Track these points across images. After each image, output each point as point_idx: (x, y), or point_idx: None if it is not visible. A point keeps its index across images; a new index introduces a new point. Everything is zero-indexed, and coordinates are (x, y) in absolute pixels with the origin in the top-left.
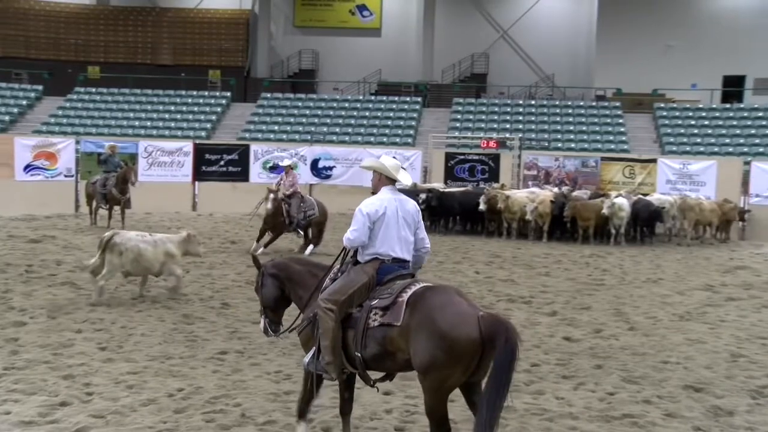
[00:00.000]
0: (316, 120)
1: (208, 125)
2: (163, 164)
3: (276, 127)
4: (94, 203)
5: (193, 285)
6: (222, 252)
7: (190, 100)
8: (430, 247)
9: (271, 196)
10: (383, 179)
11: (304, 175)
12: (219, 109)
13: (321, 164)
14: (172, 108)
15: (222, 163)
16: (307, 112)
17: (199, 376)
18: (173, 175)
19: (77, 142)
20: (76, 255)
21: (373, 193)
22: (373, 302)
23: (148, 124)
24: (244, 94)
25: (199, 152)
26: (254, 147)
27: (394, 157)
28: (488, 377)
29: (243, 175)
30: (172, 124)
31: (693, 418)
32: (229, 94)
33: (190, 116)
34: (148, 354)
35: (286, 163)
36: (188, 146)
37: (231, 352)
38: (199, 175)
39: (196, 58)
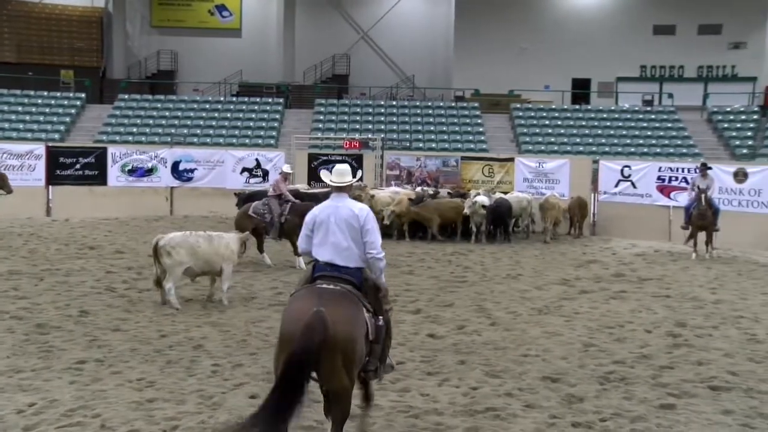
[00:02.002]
0: (176, 122)
1: (62, 127)
2: (12, 168)
3: (134, 129)
4: None
5: (48, 293)
6: (79, 258)
7: (40, 101)
8: (378, 253)
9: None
10: (332, 187)
11: (165, 178)
12: (73, 111)
13: (182, 166)
14: (20, 109)
15: (78, 166)
16: (167, 113)
17: (54, 389)
18: (23, 180)
19: None
20: None
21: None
22: None
23: None
24: (100, 95)
25: (53, 155)
26: (112, 149)
27: (344, 160)
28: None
29: (100, 179)
30: (21, 126)
31: (550, 407)
32: (83, 95)
33: (41, 118)
34: None
35: (287, 169)
36: (40, 149)
37: (90, 362)
38: (52, 179)
39: (46, 57)
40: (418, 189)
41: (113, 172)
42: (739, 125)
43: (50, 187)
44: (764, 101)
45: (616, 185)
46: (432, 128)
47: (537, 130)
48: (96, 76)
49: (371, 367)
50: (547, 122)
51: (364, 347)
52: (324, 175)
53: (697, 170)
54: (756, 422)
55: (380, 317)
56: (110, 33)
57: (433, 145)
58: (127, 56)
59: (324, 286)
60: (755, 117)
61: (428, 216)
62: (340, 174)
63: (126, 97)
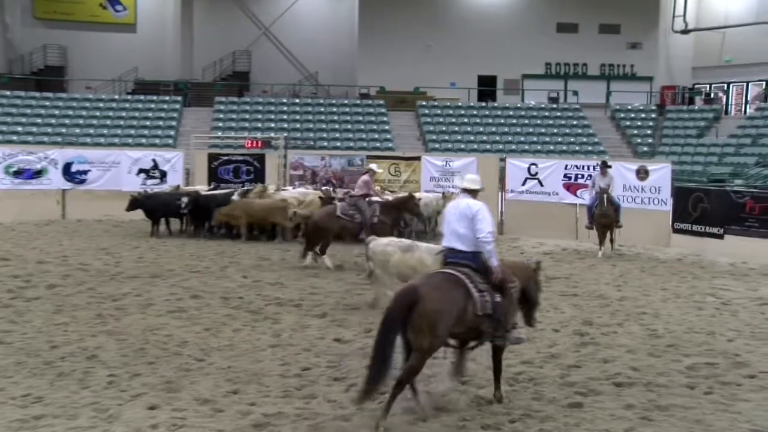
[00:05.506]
0: (67, 121)
1: None
2: None
3: (20, 129)
4: None
5: None
6: None
7: None
8: (485, 237)
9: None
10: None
11: (56, 180)
12: None
13: (74, 168)
14: None
15: None
16: (57, 111)
17: None
18: None
19: None
20: None
21: None
22: None
23: None
24: None
25: None
26: None
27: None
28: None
29: None
30: None
31: (459, 410)
32: None
33: None
34: None
35: (375, 168)
36: None
37: None
38: None
39: None
40: (324, 188)
41: None
42: (639, 123)
43: None
44: (660, 100)
45: (524, 183)
46: (336, 126)
47: (443, 128)
48: None
49: (498, 334)
50: (453, 120)
51: (449, 321)
52: (466, 178)
53: (598, 168)
54: (654, 414)
55: (497, 294)
56: None
57: (338, 143)
58: (7, 49)
59: (440, 270)
60: (653, 116)
61: (236, 215)
62: (470, 182)
63: (8, 93)
